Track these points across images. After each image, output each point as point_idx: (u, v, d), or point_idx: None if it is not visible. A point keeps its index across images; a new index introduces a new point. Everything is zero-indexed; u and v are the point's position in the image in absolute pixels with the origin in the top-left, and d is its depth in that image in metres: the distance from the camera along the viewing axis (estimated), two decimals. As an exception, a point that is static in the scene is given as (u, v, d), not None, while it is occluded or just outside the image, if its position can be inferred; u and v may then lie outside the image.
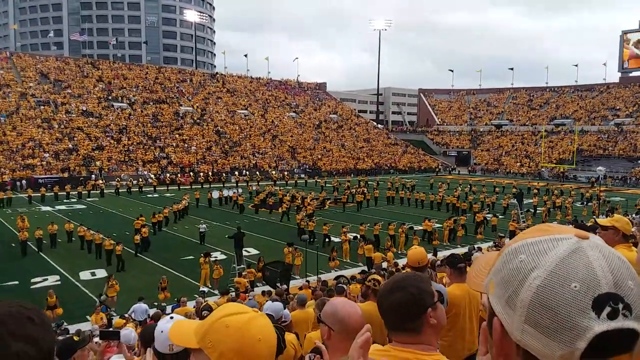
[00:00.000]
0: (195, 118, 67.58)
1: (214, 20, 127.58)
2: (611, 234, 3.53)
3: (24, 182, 43.93)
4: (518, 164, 73.43)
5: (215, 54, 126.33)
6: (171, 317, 2.52)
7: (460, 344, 3.84)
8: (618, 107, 79.41)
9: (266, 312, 5.73)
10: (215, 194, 38.40)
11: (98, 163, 50.94)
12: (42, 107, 57.52)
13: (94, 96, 63.64)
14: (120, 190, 43.81)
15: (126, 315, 13.29)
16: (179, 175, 51.92)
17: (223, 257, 21.65)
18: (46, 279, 18.64)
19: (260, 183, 49.23)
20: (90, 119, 58.62)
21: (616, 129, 74.40)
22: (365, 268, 19.52)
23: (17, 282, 18.27)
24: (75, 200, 39.41)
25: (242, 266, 19.53)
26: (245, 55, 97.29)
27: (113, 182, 46.14)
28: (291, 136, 72.27)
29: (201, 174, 52.56)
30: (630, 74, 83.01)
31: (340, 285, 11.11)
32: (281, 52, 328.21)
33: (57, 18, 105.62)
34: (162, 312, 12.24)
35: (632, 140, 69.64)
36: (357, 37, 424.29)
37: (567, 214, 32.83)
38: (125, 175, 49.43)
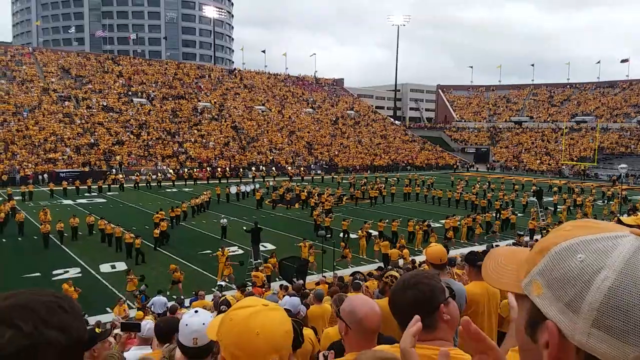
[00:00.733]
0: (213, 114, 68.07)
1: (232, 16, 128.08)
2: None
3: (45, 175, 44.80)
4: (538, 161, 72.43)
5: (233, 50, 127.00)
6: (196, 311, 2.56)
7: (478, 343, 3.81)
8: (642, 104, 77.77)
9: (284, 306, 5.76)
10: (233, 189, 38.72)
11: (118, 158, 51.67)
12: (64, 102, 58.51)
13: (115, 91, 64.51)
14: (139, 185, 44.43)
15: (146, 307, 13.50)
16: (196, 170, 52.40)
17: (240, 251, 21.82)
18: (67, 271, 19.00)
19: (276, 179, 49.44)
20: (111, 114, 59.44)
21: (639, 126, 72.88)
22: (382, 264, 19.49)
23: (39, 274, 18.66)
24: (95, 194, 40.06)
25: (258, 261, 19.67)
26: (263, 51, 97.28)
27: (133, 176, 46.80)
28: (308, 132, 72.33)
29: (219, 169, 52.97)
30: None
31: (356, 281, 11.12)
32: (299, 48, 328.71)
33: (79, 14, 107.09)
34: (180, 305, 12.41)
35: (656, 138, 68.16)
36: (374, 33, 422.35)
37: (587, 212, 32.31)
38: (144, 170, 50.07)
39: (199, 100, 70.13)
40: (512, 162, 74.97)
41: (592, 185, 48.01)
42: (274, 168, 56.58)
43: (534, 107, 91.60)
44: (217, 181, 48.09)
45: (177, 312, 9.74)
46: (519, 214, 30.60)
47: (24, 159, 46.72)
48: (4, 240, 23.98)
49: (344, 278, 14.20)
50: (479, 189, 41.08)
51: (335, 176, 53.50)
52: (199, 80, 76.15)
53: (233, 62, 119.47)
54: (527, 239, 20.33)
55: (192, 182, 48.17)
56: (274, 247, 22.39)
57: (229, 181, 47.00)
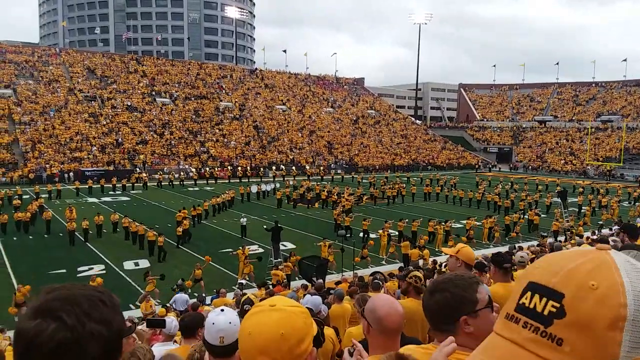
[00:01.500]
0: (234, 113, 68.60)
1: (254, 16, 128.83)
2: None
3: (71, 174, 45.75)
4: (562, 161, 71.12)
5: (255, 50, 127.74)
6: (222, 310, 2.59)
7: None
8: (671, 103, 75.73)
9: (305, 305, 5.79)
10: (254, 189, 38.98)
11: (142, 157, 52.46)
12: (89, 102, 59.65)
13: (139, 91, 65.52)
14: (162, 184, 45.05)
15: (168, 304, 13.68)
16: (217, 169, 52.88)
17: (260, 250, 21.96)
18: (92, 268, 19.37)
19: (296, 178, 49.61)
20: (135, 113, 60.38)
21: (668, 126, 71.00)
22: (402, 264, 19.39)
23: (64, 270, 19.06)
24: (120, 192, 40.75)
25: (278, 259, 19.78)
26: (284, 51, 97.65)
27: (156, 175, 47.49)
28: (328, 131, 72.35)
29: (239, 168, 53.40)
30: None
31: (376, 281, 11.10)
32: (320, 47, 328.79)
33: (104, 15, 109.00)
34: (202, 303, 12.57)
35: (687, 137, 66.29)
36: (395, 31, 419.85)
37: (612, 213, 31.63)
38: (167, 169, 50.76)
39: (221, 100, 70.75)
40: (536, 162, 73.76)
41: (617, 186, 46.94)
42: (294, 167, 56.76)
43: (558, 106, 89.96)
44: (238, 180, 48.50)
45: (199, 310, 9.87)
46: (542, 215, 30.12)
47: (50, 158, 47.79)
48: (30, 237, 24.57)
49: (364, 278, 14.18)
50: (501, 189, 40.56)
51: (355, 176, 53.42)
52: (221, 80, 76.82)
53: (254, 62, 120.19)
54: (550, 240, 19.99)
55: (214, 181, 48.65)
56: (293, 246, 22.49)
57: (250, 180, 47.35)
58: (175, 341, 5.06)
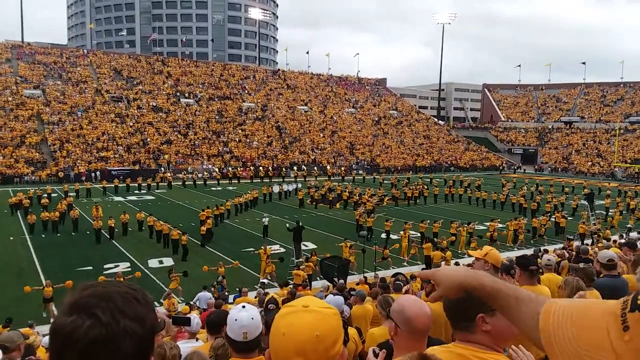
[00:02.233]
0: (257, 114, 69.07)
1: (276, 17, 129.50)
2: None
3: (98, 173, 46.69)
4: (589, 163, 69.62)
5: (277, 51, 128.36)
6: (243, 306, 2.63)
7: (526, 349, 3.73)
8: None
9: (327, 306, 5.80)
10: (276, 189, 39.18)
11: (166, 156, 53.24)
12: (116, 102, 60.80)
13: (163, 92, 66.50)
14: (186, 183, 45.63)
15: (191, 302, 13.86)
16: (240, 169, 53.32)
17: (282, 250, 22.06)
18: (117, 265, 19.72)
19: (317, 178, 49.69)
20: (160, 114, 61.31)
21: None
22: (424, 266, 19.26)
23: (91, 267, 19.45)
24: (145, 191, 41.42)
25: (300, 259, 19.84)
26: (307, 52, 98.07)
27: (180, 175, 48.13)
28: (350, 132, 72.25)
29: (261, 168, 53.74)
30: None
31: (397, 282, 11.05)
32: (342, 48, 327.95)
33: (130, 17, 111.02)
34: (224, 301, 12.69)
35: None
36: (418, 31, 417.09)
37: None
38: (191, 169, 51.40)
39: (244, 101, 71.32)
40: (562, 163, 72.37)
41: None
42: (315, 168, 56.87)
43: (585, 106, 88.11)
44: (260, 180, 48.83)
45: (222, 308, 9.96)
46: (569, 218, 29.54)
47: (78, 157, 48.85)
48: (58, 235, 25.15)
49: (386, 279, 14.13)
50: (526, 191, 39.92)
51: (376, 176, 53.24)
52: (244, 81, 77.43)
53: (277, 63, 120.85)
54: (577, 243, 19.60)
55: (236, 181, 49.08)
56: (314, 247, 22.52)
57: (272, 180, 47.61)
58: (197, 338, 5.13)
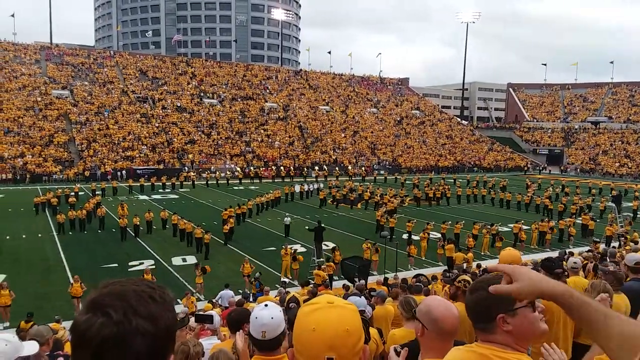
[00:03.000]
0: (279, 114, 69.39)
1: (299, 17, 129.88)
2: None
3: (123, 172, 47.57)
4: (617, 164, 67.98)
5: (299, 51, 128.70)
6: (266, 305, 2.66)
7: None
8: None
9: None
10: (297, 188, 39.31)
11: (190, 156, 53.92)
12: (141, 103, 61.82)
13: (188, 93, 67.35)
14: (209, 182, 46.13)
15: (213, 300, 14.02)
16: (262, 169, 53.67)
17: (303, 249, 22.13)
18: (142, 263, 20.06)
19: (339, 178, 49.68)
20: (184, 114, 62.11)
21: None
22: (446, 268, 19.08)
23: (116, 265, 19.85)
24: (169, 190, 42.03)
25: (321, 259, 19.86)
26: (329, 52, 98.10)
27: (203, 174, 48.68)
28: (372, 132, 72.02)
29: (282, 168, 53.99)
30: None
31: (418, 284, 10.98)
32: (364, 48, 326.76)
33: (155, 19, 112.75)
34: (246, 299, 12.81)
35: None
36: (441, 31, 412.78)
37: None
38: (214, 168, 51.95)
39: (266, 101, 71.74)
40: (588, 164, 70.83)
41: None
42: (337, 168, 56.87)
43: (613, 106, 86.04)
44: (281, 180, 49.07)
45: (257, 306, 10.05)
46: (597, 220, 28.88)
47: (104, 157, 49.85)
48: (85, 232, 25.69)
49: (407, 280, 14.06)
50: (551, 192, 39.21)
51: (398, 177, 52.95)
52: (266, 82, 77.88)
53: (299, 63, 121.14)
54: (603, 246, 19.17)
55: (258, 181, 49.41)
56: (335, 246, 22.52)
57: (293, 180, 47.79)
58: (224, 335, 5.20)
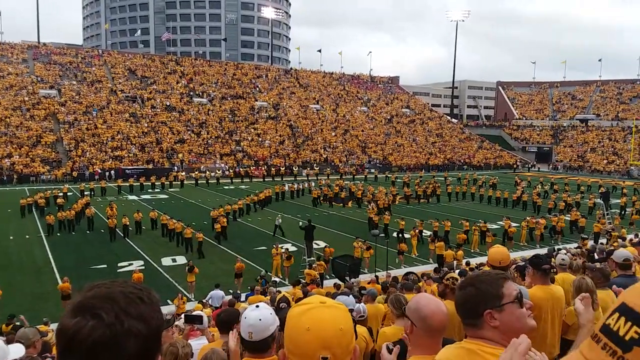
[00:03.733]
0: (269, 113, 69.24)
1: (289, 16, 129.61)
2: None
3: (112, 172, 47.17)
4: (605, 161, 68.68)
5: (290, 50, 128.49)
6: (257, 306, 2.64)
7: (539, 349, 3.69)
8: None
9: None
10: (287, 187, 39.26)
11: (180, 155, 53.62)
12: (130, 102, 61.36)
13: (177, 92, 66.94)
14: (199, 182, 45.90)
15: (204, 301, 13.96)
16: (252, 168, 53.52)
17: (293, 249, 22.10)
18: (131, 263, 19.91)
19: (330, 177, 49.68)
20: (173, 113, 61.74)
21: None
22: (436, 265, 19.17)
23: (105, 266, 19.67)
24: (158, 190, 41.76)
25: (312, 258, 19.86)
26: (319, 51, 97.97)
27: (193, 173, 48.44)
28: (362, 131, 72.12)
29: (272, 168, 53.88)
30: None
31: (408, 282, 11.01)
32: (355, 46, 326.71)
33: (144, 17, 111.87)
34: (237, 299, 12.76)
35: None
36: (431, 29, 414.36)
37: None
38: (204, 167, 51.71)
39: (256, 100, 71.54)
40: (577, 162, 71.51)
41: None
42: (328, 168, 56.87)
43: (601, 104, 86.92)
44: (272, 179, 48.98)
45: (235, 307, 10.02)
46: (586, 218, 29.17)
47: (92, 156, 49.41)
48: (74, 233, 25.45)
49: (398, 278, 14.10)
50: (540, 189, 39.53)
51: (389, 175, 53.06)
52: (257, 80, 77.65)
53: (289, 62, 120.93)
54: (591, 242, 19.36)
55: (249, 180, 49.28)
56: (326, 245, 22.52)
57: (283, 179, 47.72)
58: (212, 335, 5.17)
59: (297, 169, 54.92)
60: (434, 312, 2.06)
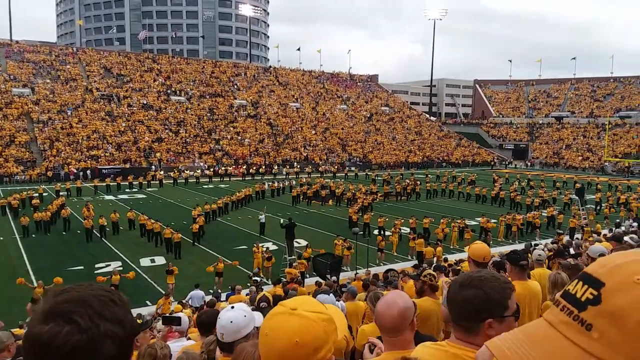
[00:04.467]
0: (249, 111, 68.84)
1: (268, 14, 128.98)
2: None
3: (88, 172, 46.31)
4: (580, 157, 70.15)
5: (269, 48, 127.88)
6: (232, 307, 2.62)
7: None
8: (693, 98, 74.14)
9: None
10: (266, 186, 39.12)
11: (157, 155, 52.93)
12: (106, 100, 60.31)
13: (154, 90, 66.05)
14: (178, 181, 45.40)
15: (183, 301, 13.81)
16: (232, 167, 53.16)
17: (275, 247, 22.04)
18: (109, 265, 19.59)
19: (311, 175, 49.65)
20: (150, 112, 60.91)
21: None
22: (417, 262, 19.32)
23: (82, 267, 19.34)
24: (136, 190, 41.18)
25: (292, 257, 19.82)
26: (298, 49, 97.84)
27: (171, 173, 47.87)
28: (342, 129, 72.24)
29: (253, 166, 53.61)
30: None
31: (388, 280, 11.09)
32: (333, 44, 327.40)
33: (120, 14, 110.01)
34: (217, 299, 12.67)
35: None
36: (410, 28, 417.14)
37: (631, 210, 31.12)
38: (182, 167, 51.15)
39: (235, 98, 71.05)
40: (552, 158, 72.87)
41: (638, 182, 46.15)
42: (309, 166, 56.83)
43: (575, 102, 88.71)
44: (251, 178, 48.73)
45: (215, 307, 9.94)
46: (564, 213, 29.75)
47: (68, 156, 48.45)
48: (49, 235, 24.93)
49: (379, 275, 14.16)
50: (517, 186, 40.16)
51: (369, 173, 53.28)
52: (235, 78, 77.11)
53: (268, 60, 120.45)
54: (567, 238, 19.74)
55: (228, 179, 48.94)
56: (307, 244, 22.51)
57: (263, 178, 47.52)
58: (189, 338, 5.11)
59: (277, 167, 54.76)
60: (383, 312, 2.08)
